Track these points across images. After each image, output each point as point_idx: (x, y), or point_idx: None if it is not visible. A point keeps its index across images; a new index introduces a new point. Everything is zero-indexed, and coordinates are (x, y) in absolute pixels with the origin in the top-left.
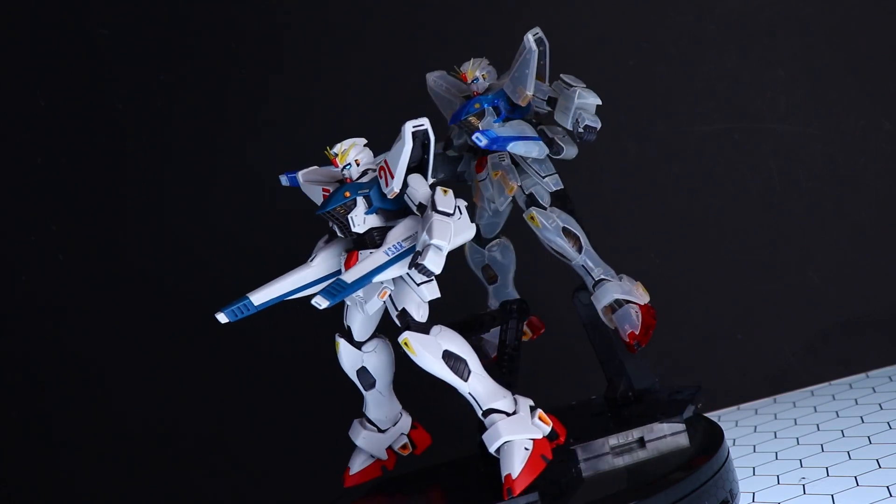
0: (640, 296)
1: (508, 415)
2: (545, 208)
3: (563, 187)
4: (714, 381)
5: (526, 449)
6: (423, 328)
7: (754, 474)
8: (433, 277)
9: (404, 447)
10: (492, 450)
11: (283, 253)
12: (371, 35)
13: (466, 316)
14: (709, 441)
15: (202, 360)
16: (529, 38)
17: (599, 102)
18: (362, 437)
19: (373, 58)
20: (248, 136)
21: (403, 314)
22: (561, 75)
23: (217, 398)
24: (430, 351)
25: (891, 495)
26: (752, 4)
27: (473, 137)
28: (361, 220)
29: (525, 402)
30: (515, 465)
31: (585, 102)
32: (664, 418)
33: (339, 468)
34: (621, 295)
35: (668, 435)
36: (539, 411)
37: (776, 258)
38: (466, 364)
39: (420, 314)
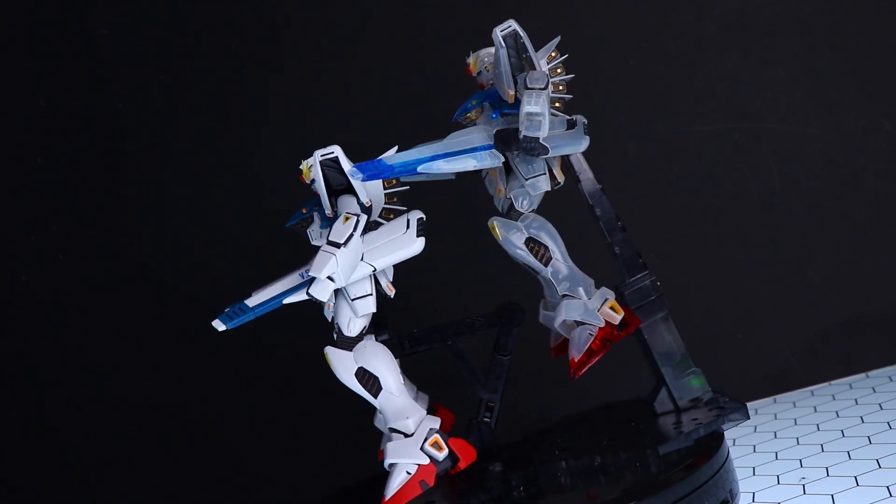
0: (602, 317)
1: (407, 436)
2: (520, 214)
3: (549, 189)
4: (714, 381)
5: (408, 473)
6: (349, 343)
7: (754, 474)
8: (371, 292)
9: None
10: (385, 467)
11: (284, 253)
12: (371, 35)
13: (459, 318)
14: (709, 441)
15: (202, 360)
16: (497, 34)
17: (538, 111)
18: (378, 419)
19: (373, 58)
20: (248, 136)
21: (337, 328)
22: (531, 73)
23: (217, 398)
24: (343, 367)
25: (891, 495)
26: (752, 4)
27: (347, 173)
28: (318, 234)
29: (426, 426)
30: (391, 488)
31: (526, 111)
32: (664, 443)
33: (340, 468)
34: (578, 316)
35: (658, 463)
36: (434, 436)
37: (776, 258)
38: (378, 381)
39: (350, 328)
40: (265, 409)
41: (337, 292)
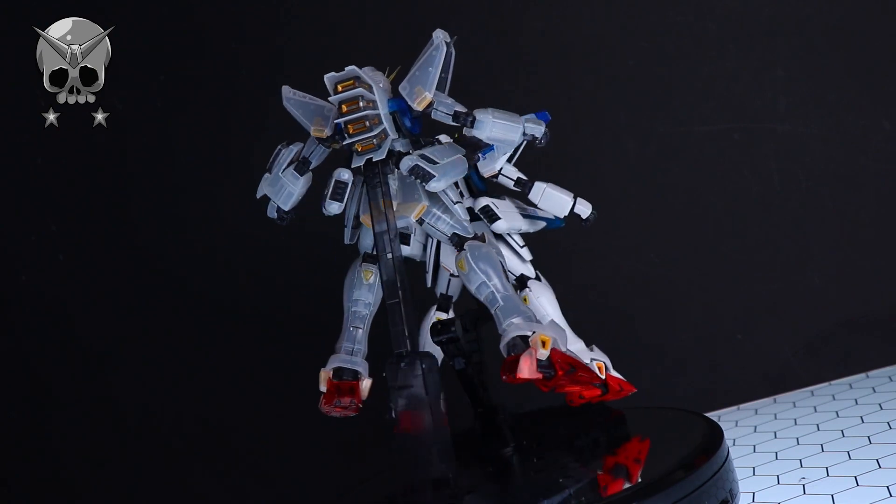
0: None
1: None
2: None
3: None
4: (714, 381)
5: None
6: None
7: (754, 474)
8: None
9: None
10: None
11: (284, 253)
12: (372, 35)
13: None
14: (709, 441)
15: (203, 361)
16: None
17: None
18: None
19: (373, 58)
20: (249, 136)
21: None
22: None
23: (218, 398)
24: None
25: (891, 495)
26: (752, 4)
27: None
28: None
29: None
30: None
31: None
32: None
33: (340, 468)
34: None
35: None
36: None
37: (776, 258)
38: None
39: None
40: (266, 409)
41: None
